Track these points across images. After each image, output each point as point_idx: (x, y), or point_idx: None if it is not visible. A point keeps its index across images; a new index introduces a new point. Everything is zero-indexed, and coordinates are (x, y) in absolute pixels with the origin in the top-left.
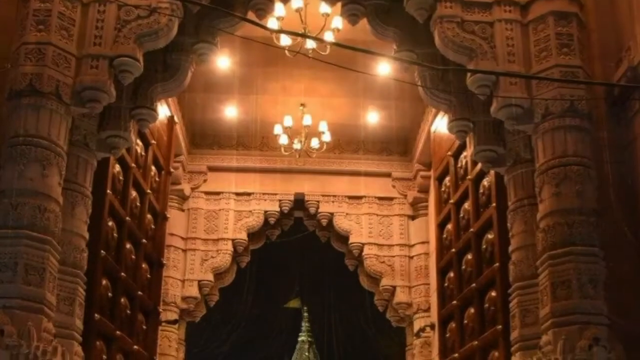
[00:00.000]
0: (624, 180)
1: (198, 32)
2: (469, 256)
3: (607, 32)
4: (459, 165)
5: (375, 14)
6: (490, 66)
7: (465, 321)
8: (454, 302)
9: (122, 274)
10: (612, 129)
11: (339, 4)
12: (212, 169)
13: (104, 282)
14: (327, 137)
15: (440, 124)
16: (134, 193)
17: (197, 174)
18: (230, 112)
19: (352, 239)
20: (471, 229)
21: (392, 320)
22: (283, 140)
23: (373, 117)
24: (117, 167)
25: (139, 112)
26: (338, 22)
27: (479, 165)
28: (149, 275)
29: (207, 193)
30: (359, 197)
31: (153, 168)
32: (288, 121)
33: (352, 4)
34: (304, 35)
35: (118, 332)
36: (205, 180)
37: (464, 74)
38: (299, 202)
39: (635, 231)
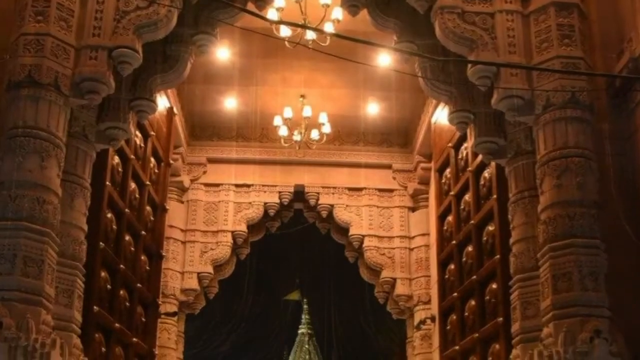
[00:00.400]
0: (625, 172)
1: (197, 23)
2: (470, 248)
3: (608, 23)
4: (460, 156)
5: (376, 5)
6: (491, 57)
7: (466, 313)
8: (455, 294)
9: (121, 266)
10: (613, 120)
11: None
12: (211, 160)
13: (102, 274)
14: (327, 129)
15: (440, 116)
16: (133, 185)
17: (196, 165)
18: (230, 103)
19: (352, 231)
20: (472, 221)
21: (392, 313)
22: (283, 131)
23: (373, 109)
24: (116, 159)
25: (138, 103)
26: (338, 13)
27: (480, 157)
28: (148, 268)
29: (206, 185)
30: (359, 189)
31: (152, 160)
32: (288, 112)
33: None
34: (304, 27)
35: (117, 325)
36: (204, 172)
37: (464, 65)
38: (299, 193)
39: (636, 223)
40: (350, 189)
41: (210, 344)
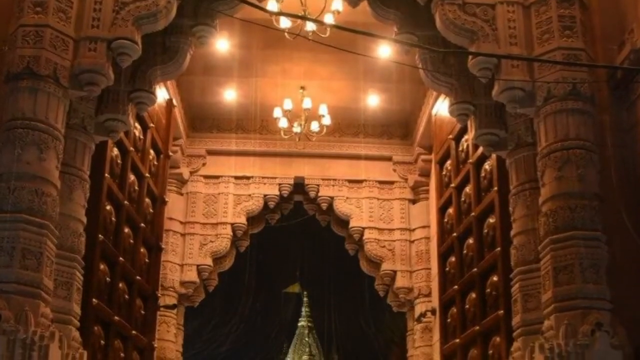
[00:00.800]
0: (627, 164)
1: (197, 14)
2: (471, 240)
3: (609, 14)
4: (460, 148)
5: None
6: (492, 49)
7: (467, 306)
8: (455, 286)
9: (120, 258)
10: (614, 112)
11: None
12: (211, 152)
13: (102, 266)
14: (327, 121)
15: (441, 107)
16: (132, 177)
17: (196, 157)
18: (230, 95)
19: (352, 223)
20: (472, 213)
21: (392, 305)
22: (283, 123)
23: (373, 100)
24: (115, 151)
25: (138, 95)
26: (338, 4)
27: (481, 149)
28: (147, 260)
29: (206, 177)
30: (359, 181)
31: (151, 152)
32: (288, 104)
33: None
34: (304, 18)
35: (116, 317)
36: (204, 164)
37: (465, 57)
38: (299, 186)
39: (637, 215)
40: (350, 181)
41: (209, 345)
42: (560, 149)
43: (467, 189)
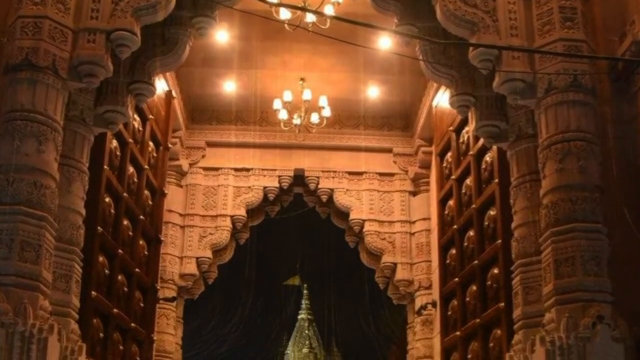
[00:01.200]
0: (628, 155)
1: (196, 5)
2: (471, 233)
3: (610, 5)
4: (461, 140)
5: None
6: (493, 40)
7: (467, 299)
8: (456, 279)
9: (120, 250)
10: (615, 104)
11: None
12: (210, 144)
13: (101, 259)
14: (327, 112)
15: (441, 99)
16: (131, 169)
17: (195, 149)
18: (229, 86)
19: (352, 215)
20: (473, 205)
21: (392, 298)
22: (282, 115)
23: (374, 92)
24: (115, 143)
25: (137, 86)
26: None
27: (481, 141)
28: (146, 252)
29: (205, 169)
30: (360, 173)
31: (151, 143)
32: (287, 96)
33: None
34: (304, 9)
35: (115, 310)
36: (203, 156)
37: (466, 48)
38: (299, 178)
39: (638, 207)
40: (350, 173)
41: (209, 346)
42: (561, 141)
43: (468, 181)
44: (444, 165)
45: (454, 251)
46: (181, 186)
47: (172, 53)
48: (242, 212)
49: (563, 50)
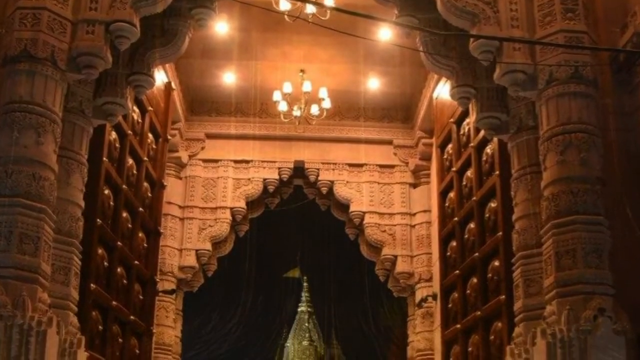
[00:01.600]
0: (629, 147)
1: None
2: (472, 225)
3: None
4: (462, 132)
5: None
6: (494, 31)
7: (468, 291)
8: (457, 271)
9: (119, 243)
10: (617, 95)
11: None
12: (210, 136)
13: (100, 251)
14: (327, 104)
15: (442, 91)
16: (130, 161)
17: (194, 141)
18: (229, 78)
19: (352, 208)
20: (474, 198)
21: (393, 290)
22: (282, 107)
23: (374, 84)
24: (114, 135)
25: (136, 78)
26: None
27: (482, 133)
28: (145, 245)
29: (205, 161)
30: (360, 165)
31: (150, 135)
32: (287, 88)
33: None
34: (304, 0)
35: (114, 303)
36: (203, 148)
37: (466, 40)
38: (299, 169)
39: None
40: (350, 165)
41: (209, 347)
42: (562, 133)
43: (469, 173)
44: (445, 157)
45: (454, 243)
46: (180, 178)
47: (171, 44)
48: (242, 204)
49: (564, 42)
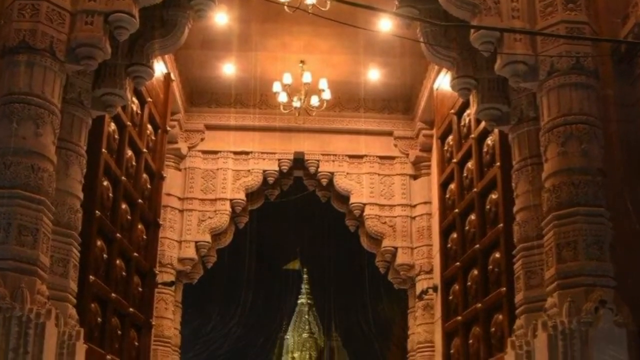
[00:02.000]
0: (631, 139)
1: None
2: (473, 217)
3: None
4: (462, 123)
5: None
6: (494, 22)
7: (469, 283)
8: (457, 263)
9: (118, 234)
10: (618, 86)
11: None
12: (209, 127)
13: (98, 243)
14: (327, 95)
15: (443, 82)
16: (129, 152)
17: (194, 132)
18: (228, 69)
19: (352, 199)
20: (475, 189)
21: (393, 282)
22: (282, 98)
23: (374, 75)
24: (113, 126)
25: (135, 69)
26: None
27: (483, 124)
28: (145, 236)
29: (204, 152)
30: (360, 156)
31: (149, 126)
32: (287, 79)
33: None
34: None
35: (113, 295)
36: (202, 139)
37: (467, 31)
38: (299, 161)
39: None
40: (350, 156)
41: (209, 347)
42: (563, 124)
43: (469, 165)
44: (445, 148)
45: (455, 235)
46: (180, 169)
47: (170, 35)
48: (242, 195)
49: (565, 33)
